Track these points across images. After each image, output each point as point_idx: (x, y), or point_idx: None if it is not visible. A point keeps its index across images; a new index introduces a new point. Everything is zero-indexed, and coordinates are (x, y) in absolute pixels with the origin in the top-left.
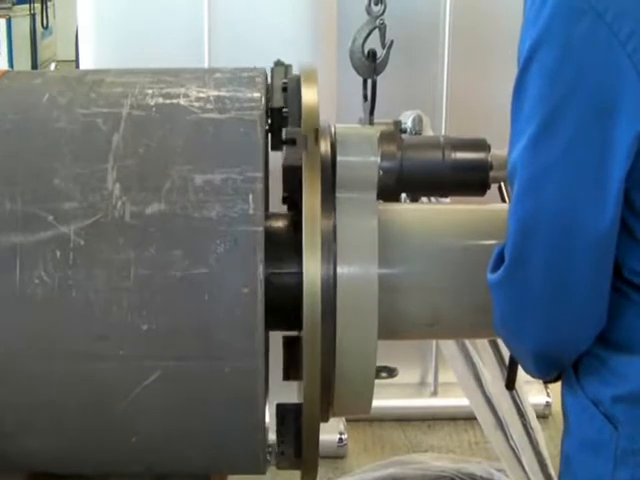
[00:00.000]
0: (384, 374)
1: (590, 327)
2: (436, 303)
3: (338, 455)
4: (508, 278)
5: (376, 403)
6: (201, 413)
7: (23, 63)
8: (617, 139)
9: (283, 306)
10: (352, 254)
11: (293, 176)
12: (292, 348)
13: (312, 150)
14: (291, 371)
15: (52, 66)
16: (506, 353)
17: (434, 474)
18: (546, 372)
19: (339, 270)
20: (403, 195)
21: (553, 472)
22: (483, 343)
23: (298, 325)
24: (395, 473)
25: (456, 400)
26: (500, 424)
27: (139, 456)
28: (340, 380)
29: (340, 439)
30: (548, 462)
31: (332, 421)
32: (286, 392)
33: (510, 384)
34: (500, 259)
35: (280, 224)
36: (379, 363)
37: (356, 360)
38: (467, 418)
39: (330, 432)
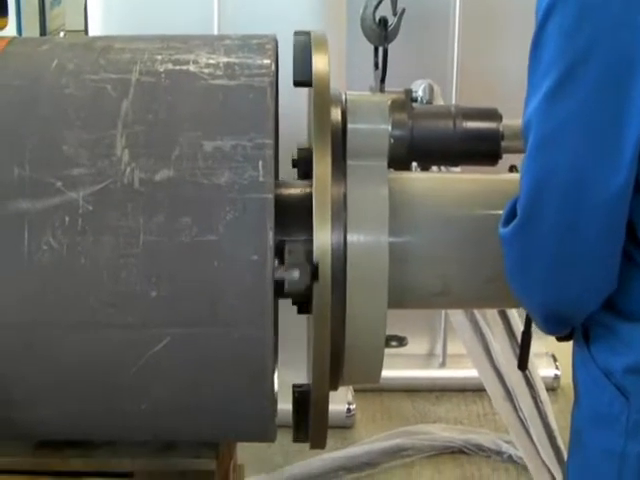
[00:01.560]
0: (394, 343)
1: (599, 289)
2: (446, 273)
3: (346, 425)
4: (519, 233)
5: (384, 374)
6: (209, 380)
7: (32, 33)
8: (634, 98)
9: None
10: (363, 222)
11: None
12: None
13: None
14: None
15: (61, 35)
16: (516, 326)
17: (442, 445)
18: (554, 329)
19: (349, 238)
20: (413, 164)
21: (562, 444)
22: (492, 314)
23: (307, 294)
24: (403, 443)
25: (464, 371)
26: (509, 395)
27: (147, 423)
28: (350, 349)
29: (348, 409)
30: (557, 434)
31: (340, 391)
32: (295, 362)
33: (522, 364)
34: (512, 213)
35: (290, 192)
36: (388, 333)
37: (366, 328)
38: (475, 390)
39: (338, 402)
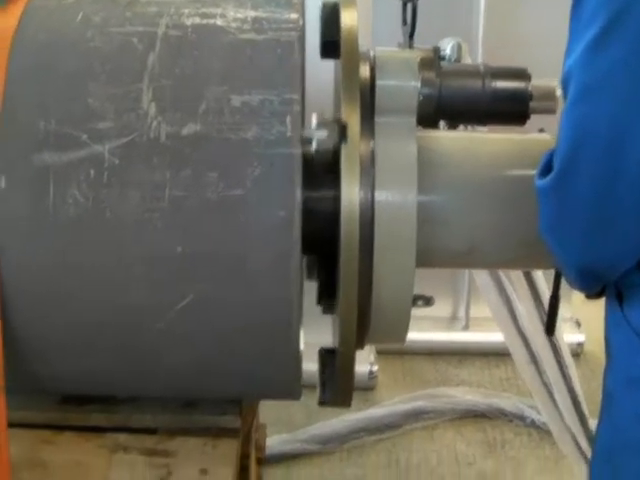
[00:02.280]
0: (420, 302)
1: (635, 246)
2: (474, 233)
3: (368, 387)
4: (555, 186)
5: (407, 336)
6: (234, 340)
7: None
8: None
9: (319, 232)
10: (391, 180)
11: None
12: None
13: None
14: (325, 296)
15: None
16: (541, 288)
17: (464, 408)
18: (588, 285)
19: (377, 196)
20: (441, 124)
21: (586, 410)
22: (518, 277)
23: (334, 252)
24: (424, 406)
25: (488, 335)
26: (533, 359)
27: (170, 381)
28: (376, 308)
29: (370, 371)
30: (581, 400)
31: (362, 353)
32: (320, 323)
33: (550, 329)
34: (548, 165)
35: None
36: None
37: (393, 287)
38: (498, 353)
39: (360, 364)
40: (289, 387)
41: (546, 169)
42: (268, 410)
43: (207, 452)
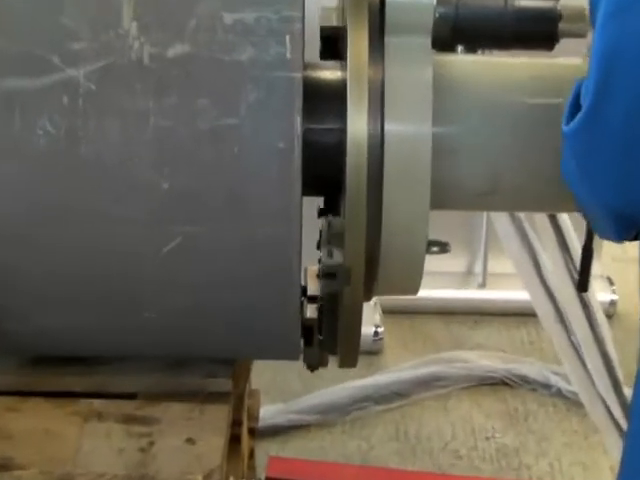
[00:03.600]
0: (435, 248)
1: None
2: (496, 169)
3: (372, 351)
4: (585, 125)
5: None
6: (227, 286)
7: None
8: None
9: (322, 169)
10: (403, 109)
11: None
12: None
13: None
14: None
15: None
16: (569, 236)
17: (481, 375)
18: (621, 232)
19: (387, 127)
20: (458, 49)
21: (620, 375)
22: (543, 223)
23: (338, 193)
24: (437, 371)
25: (507, 293)
26: (560, 317)
27: (157, 336)
28: (386, 254)
29: (375, 332)
30: (615, 363)
31: (367, 312)
32: None
33: (583, 284)
34: (575, 107)
35: (320, 74)
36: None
37: (405, 230)
38: (520, 313)
39: (364, 324)
40: (288, 343)
41: (573, 112)
42: (261, 376)
43: (194, 419)
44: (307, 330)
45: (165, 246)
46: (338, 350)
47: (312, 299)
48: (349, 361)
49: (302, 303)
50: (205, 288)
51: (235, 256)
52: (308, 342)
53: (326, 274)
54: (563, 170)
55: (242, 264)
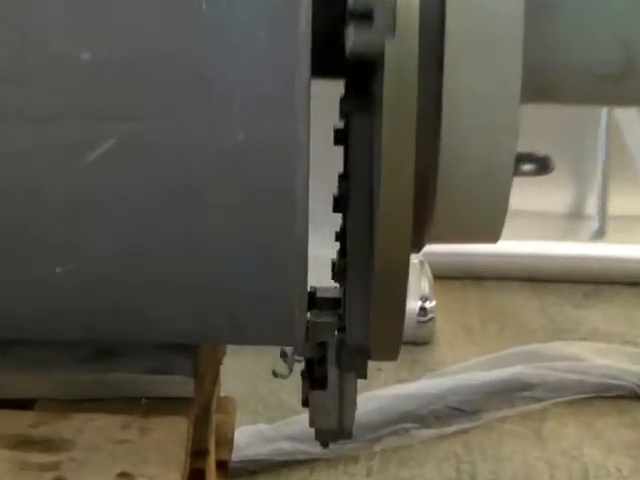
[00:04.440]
0: (528, 166)
1: None
2: (629, 35)
3: (417, 339)
4: None
5: (487, 248)
6: (190, 217)
7: None
8: None
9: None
10: None
11: None
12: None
13: None
14: None
15: None
16: None
17: (597, 381)
18: None
19: None
20: None
21: None
22: None
23: (367, 70)
24: (523, 375)
25: (635, 248)
26: None
27: (76, 304)
28: (448, 174)
29: (422, 310)
30: None
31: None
32: None
33: None
34: None
35: None
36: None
37: (479, 136)
38: None
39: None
40: (286, 316)
41: None
42: (244, 382)
43: (130, 441)
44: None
45: (87, 155)
46: (370, 333)
47: None
48: (386, 351)
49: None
50: (155, 220)
51: (203, 171)
52: None
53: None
54: None
55: (214, 184)
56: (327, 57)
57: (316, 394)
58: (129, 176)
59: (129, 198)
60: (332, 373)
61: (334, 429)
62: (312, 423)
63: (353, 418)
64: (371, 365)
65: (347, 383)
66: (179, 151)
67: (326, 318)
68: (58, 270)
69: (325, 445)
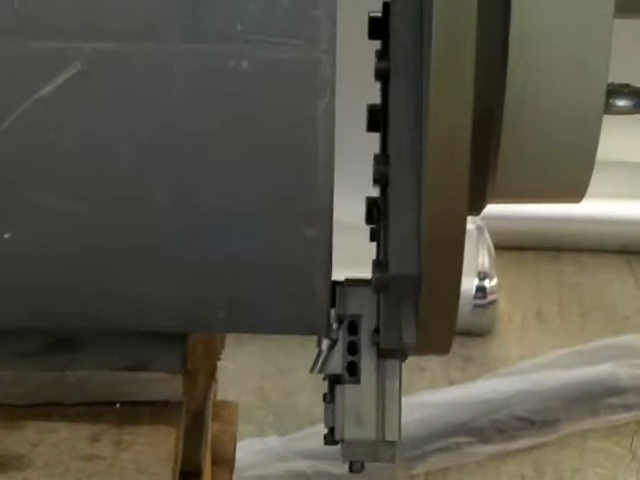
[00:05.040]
0: (624, 102)
1: None
2: None
3: (473, 328)
4: None
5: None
6: (183, 169)
7: None
8: None
9: None
10: None
11: None
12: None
13: None
14: None
15: None
16: None
17: None
18: None
19: None
20: None
21: None
22: None
23: None
24: (614, 375)
25: None
26: None
27: (30, 280)
28: (515, 107)
29: (480, 289)
30: None
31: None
32: None
33: None
34: None
35: None
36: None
37: (558, 55)
38: None
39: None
40: (307, 297)
41: None
42: (249, 388)
43: (102, 457)
44: None
45: (56, 75)
46: (418, 318)
47: None
48: (433, 342)
49: None
50: (134, 167)
51: (195, 104)
52: None
53: None
54: None
55: (212, 124)
56: None
57: (344, 390)
58: (97, 110)
59: (102, 137)
60: (367, 359)
61: (371, 441)
62: (340, 433)
63: (399, 425)
64: (413, 363)
65: (389, 374)
66: (165, 74)
67: (360, 285)
68: (7, 237)
69: (356, 468)
